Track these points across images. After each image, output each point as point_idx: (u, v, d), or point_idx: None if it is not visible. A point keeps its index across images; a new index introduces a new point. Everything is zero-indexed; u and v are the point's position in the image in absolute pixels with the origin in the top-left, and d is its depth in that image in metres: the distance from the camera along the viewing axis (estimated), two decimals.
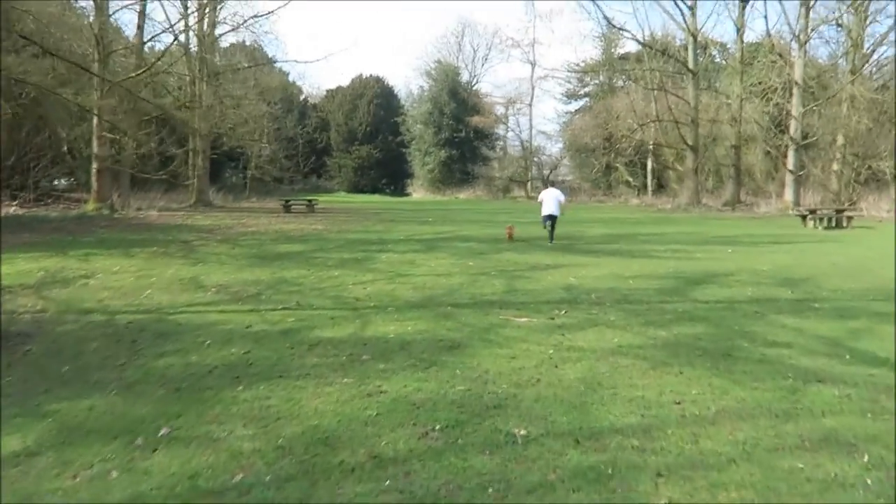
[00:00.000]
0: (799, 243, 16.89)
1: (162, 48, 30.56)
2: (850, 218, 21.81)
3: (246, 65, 35.63)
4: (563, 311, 7.58)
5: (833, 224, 21.79)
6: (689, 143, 35.53)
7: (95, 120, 23.90)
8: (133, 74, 23.65)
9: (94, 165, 25.12)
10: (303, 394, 4.62)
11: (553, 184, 45.14)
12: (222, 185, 46.96)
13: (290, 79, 64.03)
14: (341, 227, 21.45)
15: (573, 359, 5.53)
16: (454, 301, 8.29)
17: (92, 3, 24.19)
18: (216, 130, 34.26)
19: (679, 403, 4.42)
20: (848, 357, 5.74)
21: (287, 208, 30.07)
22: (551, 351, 5.79)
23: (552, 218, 16.27)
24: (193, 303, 8.17)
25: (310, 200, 30.81)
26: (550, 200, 16.30)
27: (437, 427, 3.99)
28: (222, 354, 5.70)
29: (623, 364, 5.38)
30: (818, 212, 22.63)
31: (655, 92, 38.85)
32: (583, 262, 12.63)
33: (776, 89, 32.88)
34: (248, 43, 43.73)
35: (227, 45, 45.61)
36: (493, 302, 8.23)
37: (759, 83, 35.90)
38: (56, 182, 35.87)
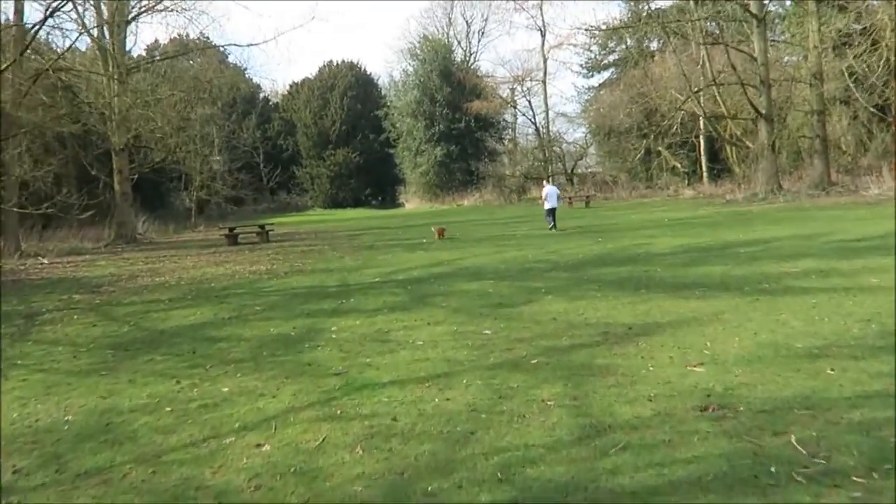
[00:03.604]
0: None
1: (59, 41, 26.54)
2: None
3: (158, 56, 31.26)
4: None
5: None
6: (762, 110, 30.93)
7: None
8: None
9: None
10: None
11: (572, 178, 43.52)
12: (166, 212, 42.93)
13: (247, 76, 60.12)
14: (294, 264, 17.05)
15: None
16: None
17: None
18: (136, 143, 29.99)
19: None
20: None
21: (233, 239, 25.58)
22: None
23: (555, 210, 22.96)
24: None
25: (262, 226, 26.37)
26: (554, 196, 23.07)
27: None
28: None
29: None
30: None
31: (706, 49, 34.37)
32: (686, 310, 8.18)
33: (886, 28, 28.22)
34: (191, 35, 39.70)
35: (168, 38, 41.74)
36: None
37: (840, 30, 31.45)
38: None
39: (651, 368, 5.98)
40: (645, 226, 21.96)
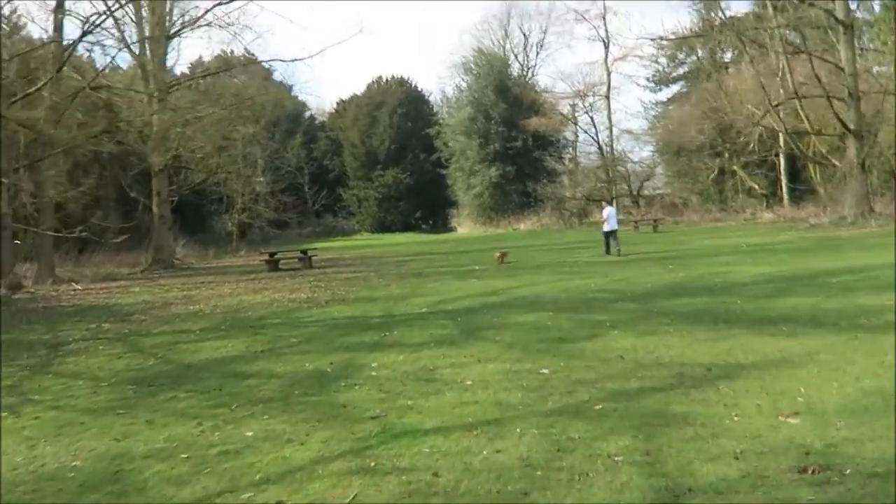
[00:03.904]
0: None
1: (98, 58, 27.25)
2: None
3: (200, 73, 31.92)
4: None
5: None
6: (850, 125, 29.91)
7: None
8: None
9: None
10: None
11: (637, 200, 43.70)
12: (207, 236, 43.52)
13: (293, 93, 61.04)
14: (336, 292, 16.92)
15: None
16: None
17: None
18: (176, 163, 30.53)
19: None
20: None
21: (274, 265, 25.69)
22: None
23: (616, 231, 23.25)
24: None
25: (304, 251, 26.39)
26: (613, 218, 23.42)
27: None
28: None
29: None
30: None
31: (787, 59, 33.45)
32: (773, 349, 7.66)
33: None
34: (235, 52, 40.39)
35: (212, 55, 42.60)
36: None
37: None
38: None
39: (736, 418, 5.48)
40: (721, 252, 21.27)
